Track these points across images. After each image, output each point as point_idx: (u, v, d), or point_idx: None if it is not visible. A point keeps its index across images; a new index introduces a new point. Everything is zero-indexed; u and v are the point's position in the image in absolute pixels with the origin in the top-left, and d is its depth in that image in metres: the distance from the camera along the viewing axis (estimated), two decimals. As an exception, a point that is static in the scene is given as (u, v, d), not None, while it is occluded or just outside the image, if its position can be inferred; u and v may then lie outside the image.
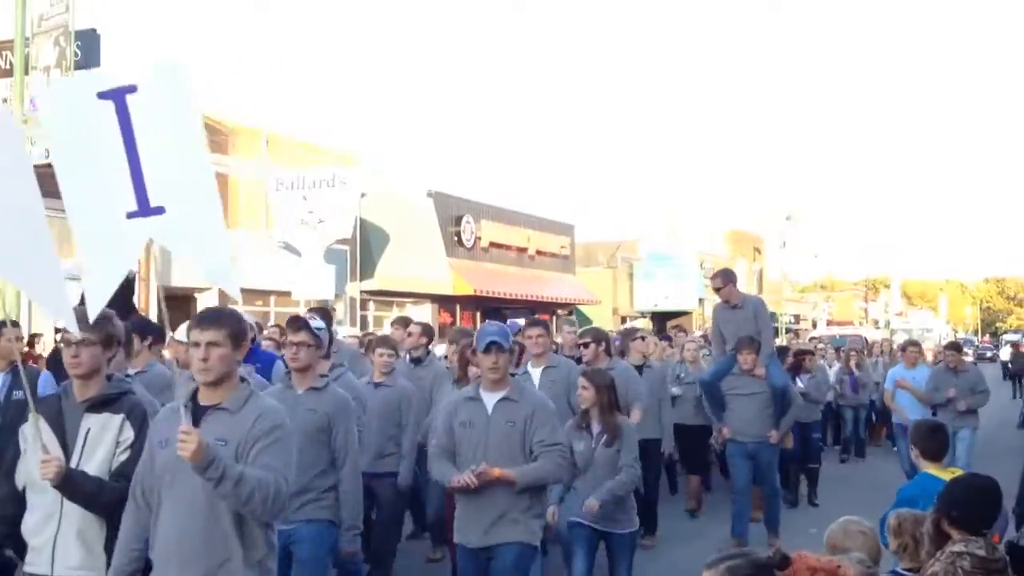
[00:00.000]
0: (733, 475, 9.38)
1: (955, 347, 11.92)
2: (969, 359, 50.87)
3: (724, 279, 9.44)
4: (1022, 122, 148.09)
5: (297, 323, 5.52)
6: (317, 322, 5.59)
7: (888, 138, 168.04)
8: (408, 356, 8.24)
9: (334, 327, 9.49)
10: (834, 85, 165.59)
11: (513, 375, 5.11)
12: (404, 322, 8.94)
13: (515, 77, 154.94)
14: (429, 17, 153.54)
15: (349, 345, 10.10)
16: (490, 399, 5.01)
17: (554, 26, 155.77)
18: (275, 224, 20.46)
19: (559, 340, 10.04)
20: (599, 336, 8.15)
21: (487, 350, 4.94)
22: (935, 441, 5.03)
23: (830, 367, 15.87)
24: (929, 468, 4.96)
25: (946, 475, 4.70)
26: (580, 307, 33.88)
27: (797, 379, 11.58)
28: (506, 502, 4.83)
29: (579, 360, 8.59)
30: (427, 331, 8.42)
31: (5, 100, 14.48)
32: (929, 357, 16.10)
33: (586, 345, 8.00)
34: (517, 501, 4.84)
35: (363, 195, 21.81)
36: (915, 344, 12.78)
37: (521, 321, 9.08)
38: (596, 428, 6.09)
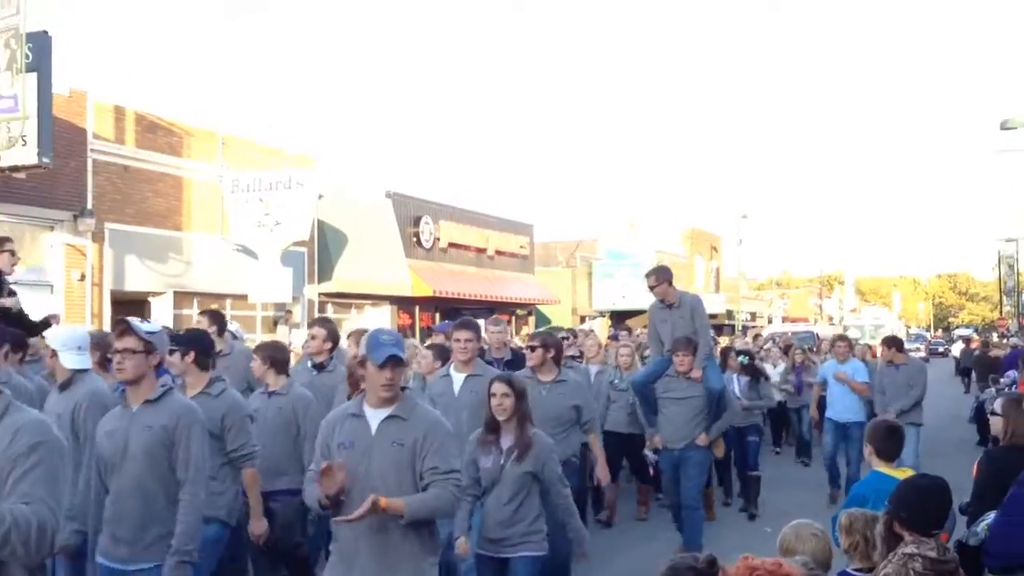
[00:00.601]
0: (667, 491, 8.94)
1: (891, 342, 11.44)
2: (921, 354, 51.32)
3: (658, 277, 8.74)
4: (969, 125, 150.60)
5: (121, 326, 4.65)
6: (150, 325, 4.81)
7: (844, 135, 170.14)
8: (310, 362, 7.53)
9: (231, 328, 8.77)
10: (788, 85, 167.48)
11: (403, 388, 4.40)
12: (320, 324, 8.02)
13: (472, 77, 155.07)
14: (384, 18, 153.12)
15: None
16: (375, 416, 4.27)
17: (510, 26, 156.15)
18: (231, 227, 20.26)
19: (485, 339, 9.23)
20: (549, 342, 7.28)
21: (384, 365, 4.20)
22: (891, 442, 5.10)
23: (775, 367, 15.45)
24: (881, 467, 5.04)
25: (898, 474, 4.78)
26: (539, 307, 33.94)
27: (735, 379, 11.32)
28: (394, 538, 4.13)
29: (509, 363, 7.92)
30: (332, 335, 7.65)
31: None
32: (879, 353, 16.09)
33: (532, 348, 7.21)
34: (406, 538, 4.14)
35: (320, 197, 21.69)
36: (843, 338, 12.20)
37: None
38: (507, 442, 5.37)
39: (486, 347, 8.70)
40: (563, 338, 9.57)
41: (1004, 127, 25.91)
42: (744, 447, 11.12)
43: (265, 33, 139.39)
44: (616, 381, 10.14)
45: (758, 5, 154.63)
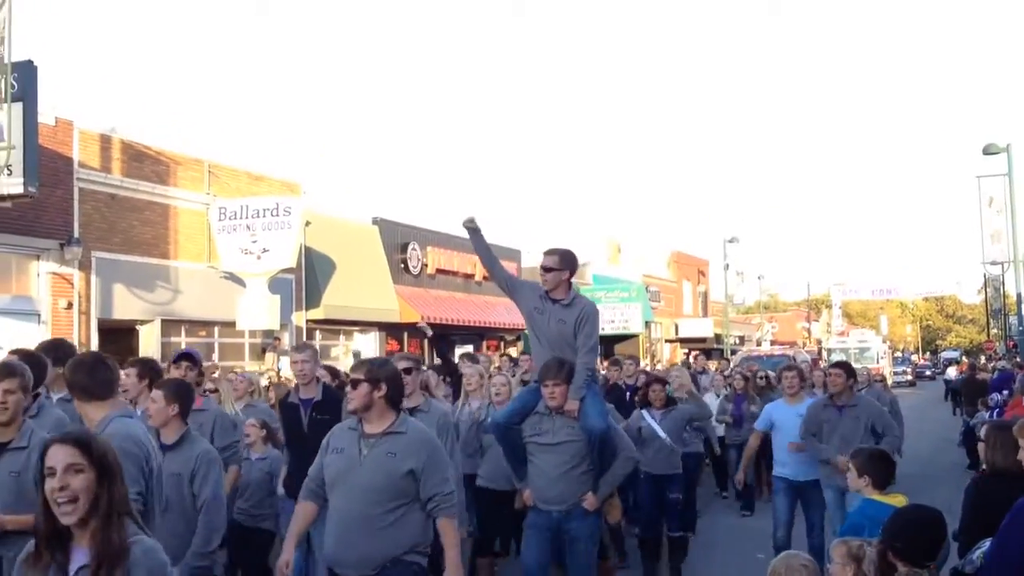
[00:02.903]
0: (523, 551, 6.42)
1: (843, 368, 8.34)
2: (908, 377, 51.06)
3: (563, 260, 6.52)
4: (952, 150, 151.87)
5: None
6: None
7: (829, 161, 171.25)
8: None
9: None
10: (772, 108, 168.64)
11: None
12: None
13: (458, 103, 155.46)
14: (365, 47, 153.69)
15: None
16: None
17: (494, 52, 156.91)
18: (219, 254, 20.25)
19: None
20: (380, 375, 4.66)
21: None
22: (886, 470, 5.12)
23: (718, 396, 13.54)
24: (873, 495, 5.04)
25: (891, 501, 4.77)
26: (527, 332, 33.87)
27: (644, 414, 8.85)
28: None
29: (319, 405, 6.72)
30: (146, 370, 6.02)
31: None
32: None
33: (355, 384, 4.66)
34: None
35: (308, 223, 21.70)
36: (791, 368, 9.23)
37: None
38: (79, 558, 2.79)
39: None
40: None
41: (987, 152, 26.27)
42: (664, 505, 8.65)
43: (251, 59, 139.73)
44: (487, 419, 7.89)
45: (738, 31, 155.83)
